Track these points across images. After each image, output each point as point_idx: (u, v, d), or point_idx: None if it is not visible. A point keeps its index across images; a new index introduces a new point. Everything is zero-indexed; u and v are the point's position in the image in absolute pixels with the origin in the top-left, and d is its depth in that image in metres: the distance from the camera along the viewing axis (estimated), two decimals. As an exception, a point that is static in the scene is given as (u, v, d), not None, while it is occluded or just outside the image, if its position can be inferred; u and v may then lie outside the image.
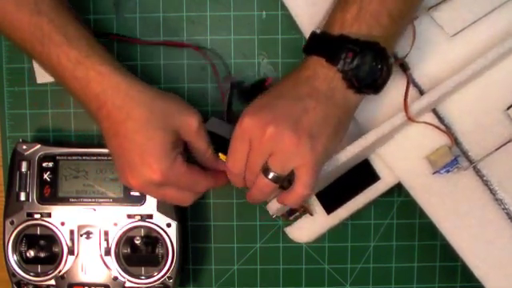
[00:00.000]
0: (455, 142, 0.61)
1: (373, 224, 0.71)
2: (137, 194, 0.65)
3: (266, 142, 0.54)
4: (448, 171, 0.60)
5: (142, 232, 0.65)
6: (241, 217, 0.71)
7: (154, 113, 0.56)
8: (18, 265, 0.65)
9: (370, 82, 0.54)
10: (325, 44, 0.55)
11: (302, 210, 0.65)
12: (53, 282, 0.65)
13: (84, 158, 0.66)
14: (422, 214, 0.70)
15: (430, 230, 0.70)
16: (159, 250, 0.65)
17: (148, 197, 0.64)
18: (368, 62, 0.53)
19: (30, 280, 0.65)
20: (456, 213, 0.61)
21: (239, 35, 0.69)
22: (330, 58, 0.54)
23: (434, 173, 0.61)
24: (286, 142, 0.53)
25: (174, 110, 0.57)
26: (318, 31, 0.56)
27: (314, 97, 0.54)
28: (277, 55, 0.69)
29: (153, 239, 0.65)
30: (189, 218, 0.71)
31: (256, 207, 0.71)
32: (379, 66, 0.54)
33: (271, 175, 0.55)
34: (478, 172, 0.61)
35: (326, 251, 0.72)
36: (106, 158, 0.65)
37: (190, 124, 0.57)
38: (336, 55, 0.54)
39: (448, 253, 0.70)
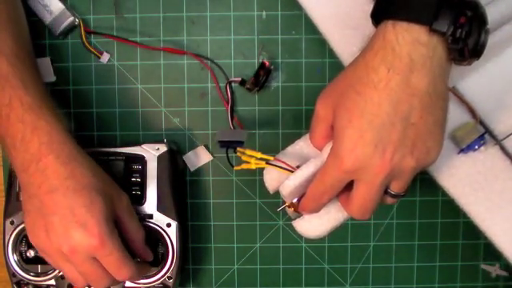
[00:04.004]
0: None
1: (373, 224, 0.71)
2: (137, 193, 0.64)
3: (387, 171, 0.49)
4: (474, 149, 0.58)
5: (142, 232, 0.65)
6: (241, 217, 0.71)
7: (96, 178, 0.56)
8: (18, 265, 0.64)
9: (479, 50, 0.47)
10: (420, 7, 0.46)
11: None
12: (53, 281, 0.65)
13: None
14: (422, 214, 0.70)
15: (429, 230, 0.71)
16: (159, 250, 0.65)
17: (148, 196, 0.64)
18: (477, 27, 0.46)
19: (30, 280, 0.65)
20: (485, 194, 0.58)
21: (239, 35, 0.69)
22: (432, 24, 0.45)
23: (459, 152, 0.58)
24: (405, 168, 0.49)
25: (109, 181, 0.59)
26: None
27: (415, 95, 0.47)
28: (277, 55, 0.69)
29: (153, 239, 0.65)
30: (189, 217, 0.71)
31: (256, 207, 0.71)
32: (484, 30, 0.47)
33: (393, 193, 0.52)
34: (505, 150, 0.58)
35: (325, 251, 0.72)
36: (106, 158, 0.64)
37: (122, 198, 0.59)
38: (443, 20, 0.45)
39: (448, 252, 0.71)
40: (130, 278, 0.58)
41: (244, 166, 0.57)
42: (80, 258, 0.55)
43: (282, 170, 0.56)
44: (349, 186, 0.52)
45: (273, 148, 0.69)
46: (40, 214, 0.55)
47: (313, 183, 0.53)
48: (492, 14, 0.52)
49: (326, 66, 0.69)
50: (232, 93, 0.69)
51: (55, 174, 0.54)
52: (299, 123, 0.69)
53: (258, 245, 0.71)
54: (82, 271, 0.56)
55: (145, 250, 0.62)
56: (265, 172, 0.58)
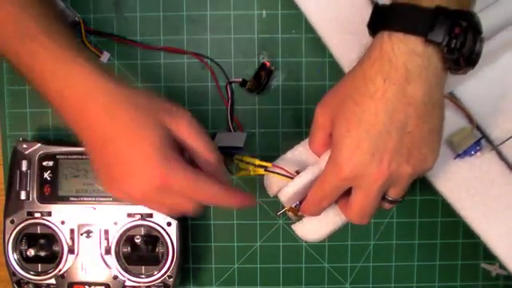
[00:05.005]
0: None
1: (373, 223, 0.71)
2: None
3: (384, 179, 0.50)
4: (471, 154, 0.58)
5: (142, 231, 0.65)
6: (241, 215, 0.71)
7: (140, 109, 0.51)
8: (18, 264, 0.65)
9: (474, 59, 0.47)
10: (415, 18, 0.46)
11: None
12: (53, 280, 0.65)
13: (84, 156, 0.65)
14: (422, 213, 0.70)
15: (429, 229, 0.71)
16: (159, 249, 0.65)
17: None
18: (472, 37, 0.46)
19: (31, 279, 0.65)
20: (482, 199, 0.59)
21: (239, 34, 0.69)
22: (427, 35, 0.46)
23: (455, 157, 0.58)
24: (402, 175, 0.50)
25: (160, 105, 0.53)
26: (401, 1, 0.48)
27: (411, 104, 0.48)
28: (277, 55, 0.69)
29: (153, 238, 0.65)
30: (189, 216, 0.71)
31: (256, 206, 0.71)
32: (478, 40, 0.47)
33: (391, 199, 0.53)
34: (501, 156, 0.58)
35: (325, 250, 0.72)
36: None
37: (179, 119, 0.53)
38: (438, 30, 0.46)
39: (448, 251, 0.71)
40: (216, 200, 0.53)
41: (243, 174, 0.58)
42: (153, 199, 0.52)
43: (281, 176, 0.56)
44: (348, 192, 0.52)
45: (273, 147, 0.69)
46: (103, 167, 0.52)
47: (312, 189, 0.53)
48: (489, 19, 0.53)
49: (326, 65, 0.68)
50: (232, 92, 0.69)
51: (98, 124, 0.51)
52: (299, 123, 0.69)
53: (258, 244, 0.71)
54: (163, 207, 0.54)
55: (222, 173, 0.56)
56: (265, 178, 0.58)
